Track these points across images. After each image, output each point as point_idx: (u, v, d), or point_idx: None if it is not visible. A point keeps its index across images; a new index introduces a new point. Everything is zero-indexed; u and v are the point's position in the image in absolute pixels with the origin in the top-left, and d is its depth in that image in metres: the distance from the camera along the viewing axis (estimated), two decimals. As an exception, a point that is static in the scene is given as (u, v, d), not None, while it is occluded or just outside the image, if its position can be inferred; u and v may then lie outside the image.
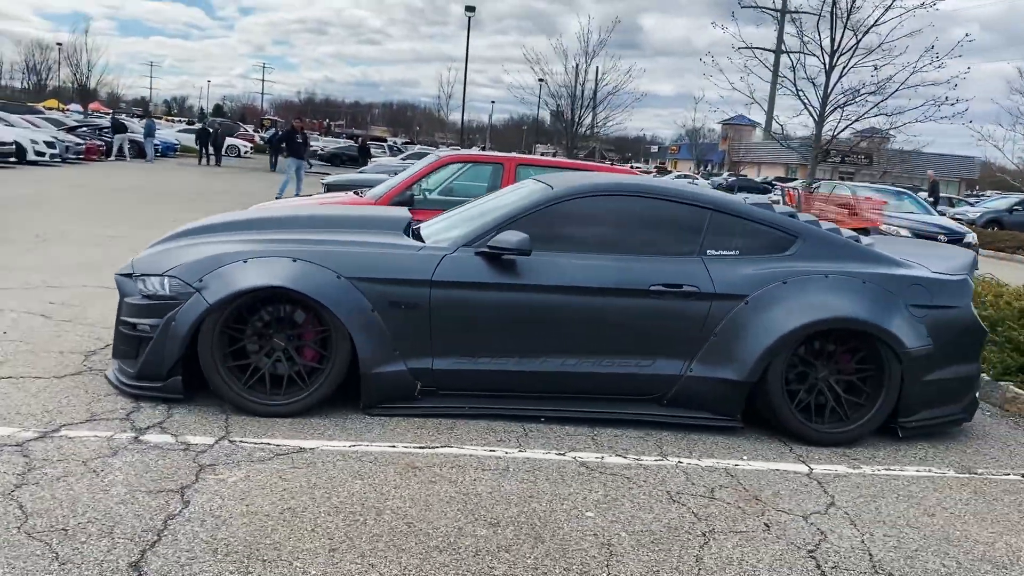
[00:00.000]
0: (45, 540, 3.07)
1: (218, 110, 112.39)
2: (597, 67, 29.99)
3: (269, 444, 4.19)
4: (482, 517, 3.56)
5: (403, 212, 5.70)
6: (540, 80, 30.73)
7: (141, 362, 4.62)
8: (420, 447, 4.31)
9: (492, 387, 4.84)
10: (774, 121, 18.14)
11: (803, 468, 4.53)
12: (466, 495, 3.77)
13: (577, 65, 26.90)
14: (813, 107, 13.76)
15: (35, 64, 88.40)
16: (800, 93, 13.83)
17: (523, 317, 4.76)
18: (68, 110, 61.61)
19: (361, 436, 4.40)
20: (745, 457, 4.62)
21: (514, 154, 9.66)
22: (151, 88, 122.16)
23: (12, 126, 26.18)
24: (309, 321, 4.68)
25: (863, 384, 5.02)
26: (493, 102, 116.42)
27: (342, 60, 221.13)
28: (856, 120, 14.18)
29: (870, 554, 3.54)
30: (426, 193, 8.24)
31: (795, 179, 58.63)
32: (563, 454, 4.39)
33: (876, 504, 4.10)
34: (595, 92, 30.88)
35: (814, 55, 13.87)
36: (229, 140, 42.02)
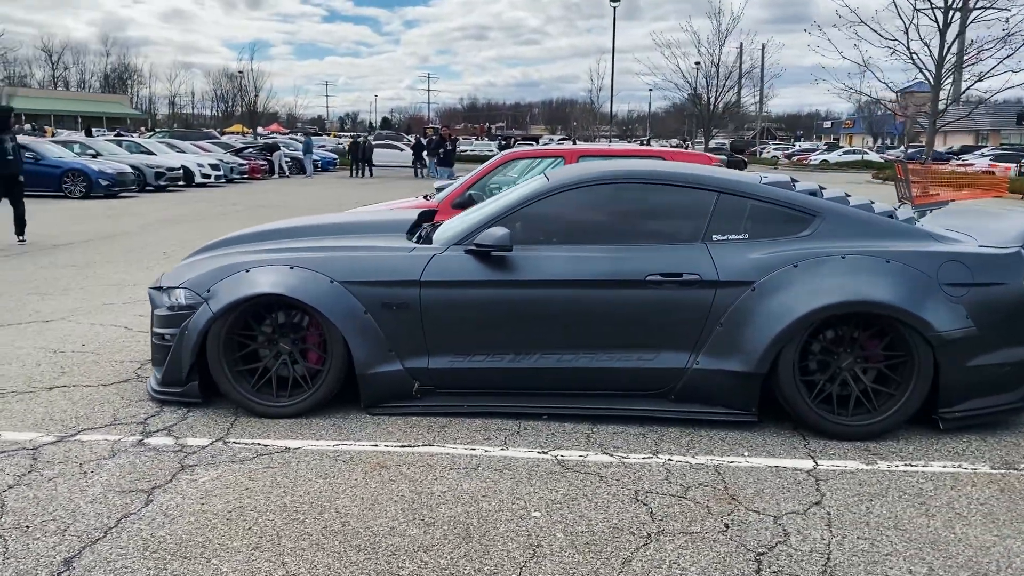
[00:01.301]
0: (4, 535, 3.35)
1: (385, 122, 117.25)
2: (741, 43, 28.85)
3: (258, 444, 4.37)
4: (421, 517, 3.56)
5: (411, 215, 5.75)
6: (696, 64, 29.92)
7: (164, 369, 4.94)
8: (401, 446, 4.37)
9: (489, 385, 4.82)
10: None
11: (807, 464, 4.23)
12: (418, 495, 3.78)
13: (722, 43, 25.98)
14: (928, 71, 12.55)
15: (223, 93, 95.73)
16: (914, 56, 12.66)
17: (515, 313, 4.71)
18: (249, 133, 66.18)
19: (350, 436, 4.50)
20: (746, 453, 4.36)
21: (577, 145, 9.51)
22: (327, 107, 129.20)
23: (183, 152, 28.51)
24: (310, 325, 4.84)
25: (892, 372, 4.62)
26: (651, 89, 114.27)
27: (502, 63, 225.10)
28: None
29: (828, 558, 3.27)
30: (492, 191, 8.27)
31: (984, 146, 54.09)
32: (545, 452, 4.32)
33: (869, 504, 3.77)
34: (739, 69, 29.79)
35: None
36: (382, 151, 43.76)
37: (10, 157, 11.38)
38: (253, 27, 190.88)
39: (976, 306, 4.55)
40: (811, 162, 55.31)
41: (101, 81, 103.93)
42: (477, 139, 73.19)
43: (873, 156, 54.53)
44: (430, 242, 5.10)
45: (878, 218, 4.87)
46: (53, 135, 41.83)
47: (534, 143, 49.14)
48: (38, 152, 21.02)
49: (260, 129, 69.02)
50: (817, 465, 4.22)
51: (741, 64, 33.79)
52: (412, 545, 3.32)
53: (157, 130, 54.03)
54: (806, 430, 4.65)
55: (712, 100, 25.93)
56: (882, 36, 12.97)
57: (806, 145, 77.07)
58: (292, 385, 4.85)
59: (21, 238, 12.11)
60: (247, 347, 4.86)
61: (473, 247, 4.74)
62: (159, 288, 5.18)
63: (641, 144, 11.32)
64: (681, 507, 3.70)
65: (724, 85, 25.44)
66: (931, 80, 12.54)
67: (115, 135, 39.94)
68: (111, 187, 21.19)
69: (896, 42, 12.89)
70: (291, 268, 4.80)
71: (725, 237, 4.79)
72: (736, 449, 4.42)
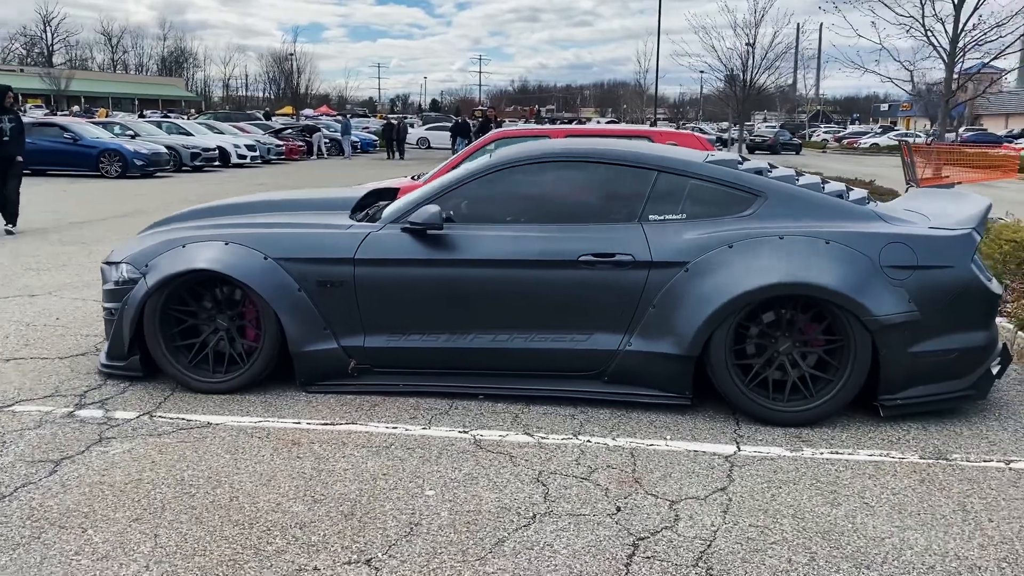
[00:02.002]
0: (-100, 502, 3.43)
1: (434, 105, 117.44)
2: (799, 24, 27.99)
3: (182, 419, 4.41)
4: (312, 494, 3.56)
5: (360, 192, 5.72)
6: (748, 45, 29.19)
7: (109, 343, 5.01)
8: (323, 424, 4.36)
9: (424, 364, 4.79)
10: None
11: (729, 450, 4.12)
12: (319, 472, 3.78)
13: (757, 22, 25.38)
14: (943, 48, 12.03)
15: (275, 75, 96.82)
16: (930, 34, 12.18)
17: (448, 293, 4.67)
18: (301, 115, 66.83)
19: (277, 413, 4.52)
20: (669, 437, 4.27)
21: (565, 125, 9.39)
22: (379, 89, 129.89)
23: (221, 133, 28.92)
24: (246, 302, 4.86)
25: (831, 358, 4.48)
26: (703, 72, 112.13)
27: (555, 45, 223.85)
28: None
29: (709, 545, 3.18)
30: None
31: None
32: (466, 432, 4.28)
33: (776, 491, 3.66)
34: (796, 51, 28.92)
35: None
36: (421, 133, 43.90)
37: (6, 138, 10.60)
38: (309, 10, 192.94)
39: (920, 290, 4.38)
40: (861, 145, 53.98)
41: (158, 64, 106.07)
42: (525, 121, 72.90)
43: (924, 140, 52.99)
44: (376, 220, 5.07)
45: (824, 198, 4.71)
46: (106, 116, 42.74)
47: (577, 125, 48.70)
48: (76, 133, 21.49)
49: (309, 111, 69.85)
50: (739, 451, 4.11)
51: (798, 45, 32.97)
52: (291, 521, 3.31)
53: (203, 112, 54.82)
54: (742, 415, 4.54)
55: (748, 82, 25.38)
56: (897, 13, 12.58)
57: (858, 128, 75.17)
58: (229, 362, 4.88)
59: (9, 227, 11.08)
60: (185, 323, 4.90)
61: (407, 225, 4.71)
62: (109, 263, 5.25)
63: (650, 126, 11.08)
64: (580, 489, 3.64)
65: (761, 66, 24.94)
66: (945, 58, 12.06)
67: (161, 116, 40.73)
68: (146, 167, 21.58)
69: (911, 19, 12.46)
70: (226, 244, 4.81)
71: (662, 217, 4.67)
72: (661, 432, 4.33)
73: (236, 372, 4.82)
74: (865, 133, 63.71)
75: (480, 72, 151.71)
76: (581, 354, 4.64)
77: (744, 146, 33.02)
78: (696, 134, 8.23)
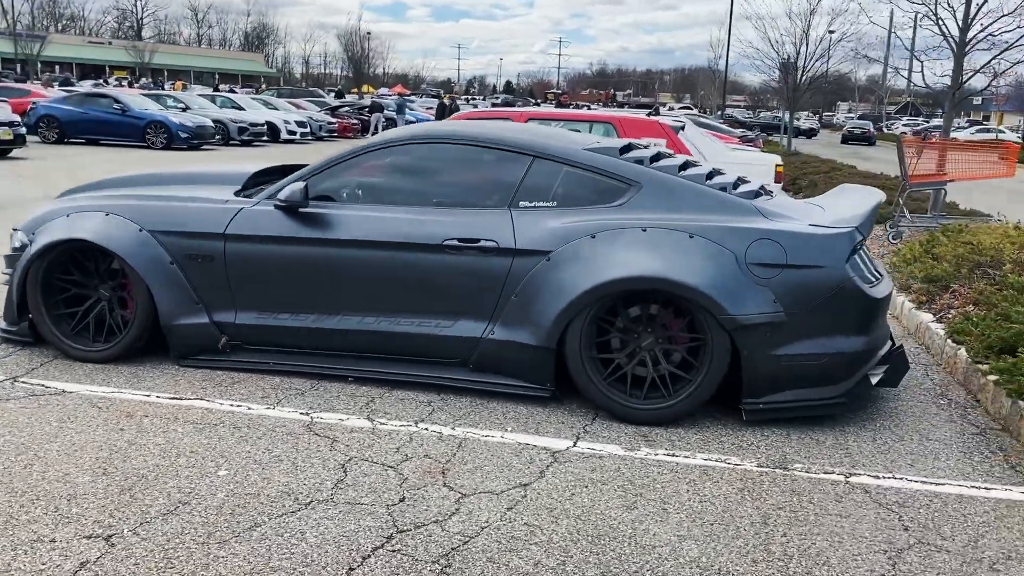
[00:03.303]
0: None
1: (508, 87, 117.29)
2: (892, 9, 26.58)
3: (41, 386, 4.48)
4: (105, 466, 3.57)
5: (251, 168, 5.68)
6: (830, 32, 28.04)
7: (4, 308, 5.12)
8: (171, 398, 4.38)
9: (294, 343, 4.77)
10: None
11: (562, 445, 3.99)
12: (130, 445, 3.79)
13: (812, 10, 24.42)
14: (952, 37, 11.29)
15: (353, 53, 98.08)
16: (941, 23, 11.41)
17: (316, 272, 4.63)
18: (369, 93, 67.58)
19: (137, 384, 4.55)
20: (510, 428, 4.16)
21: (529, 108, 9.21)
22: (458, 69, 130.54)
23: (275, 108, 29.38)
24: (125, 273, 4.90)
25: (693, 357, 4.29)
26: (756, 61, 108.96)
27: (638, 28, 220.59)
28: None
29: (467, 542, 3.08)
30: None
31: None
32: (307, 414, 4.24)
33: (581, 491, 3.52)
34: (888, 39, 27.51)
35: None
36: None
37: None
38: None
39: (788, 290, 4.16)
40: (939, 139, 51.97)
41: (241, 40, 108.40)
42: (602, 105, 72.11)
43: (1010, 135, 50.71)
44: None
45: (703, 190, 4.50)
46: (183, 89, 43.85)
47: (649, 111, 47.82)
48: (125, 104, 22.10)
49: (384, 90, 70.56)
50: (573, 447, 3.98)
51: (890, 33, 31.59)
52: (66, 492, 3.33)
53: (271, 88, 55.82)
54: (601, 410, 4.39)
55: (801, 72, 24.51)
56: (909, 0, 11.92)
57: (941, 122, 72.25)
58: (108, 332, 4.93)
59: None
60: (68, 291, 4.97)
61: (277, 202, 4.68)
62: (15, 229, 5.35)
63: (648, 115, 10.70)
64: (377, 477, 3.57)
65: (814, 54, 24.03)
66: (955, 49, 11.33)
67: (227, 90, 41.65)
68: (190, 139, 22.06)
69: (923, 5, 11.78)
70: (107, 215, 4.86)
71: (532, 204, 4.54)
72: (506, 424, 4.22)
73: (112, 342, 4.87)
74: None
75: (560, 55, 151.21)
76: (446, 340, 4.55)
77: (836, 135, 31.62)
78: (662, 122, 7.98)
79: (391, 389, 4.63)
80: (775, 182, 10.80)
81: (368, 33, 70.85)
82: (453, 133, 4.81)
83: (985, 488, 3.69)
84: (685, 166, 4.74)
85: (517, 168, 4.60)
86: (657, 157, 4.76)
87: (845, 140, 52.16)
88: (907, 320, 6.46)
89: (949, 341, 5.42)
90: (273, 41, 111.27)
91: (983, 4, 11.47)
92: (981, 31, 11.55)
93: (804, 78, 24.45)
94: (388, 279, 4.55)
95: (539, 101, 73.68)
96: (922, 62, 13.70)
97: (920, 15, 11.88)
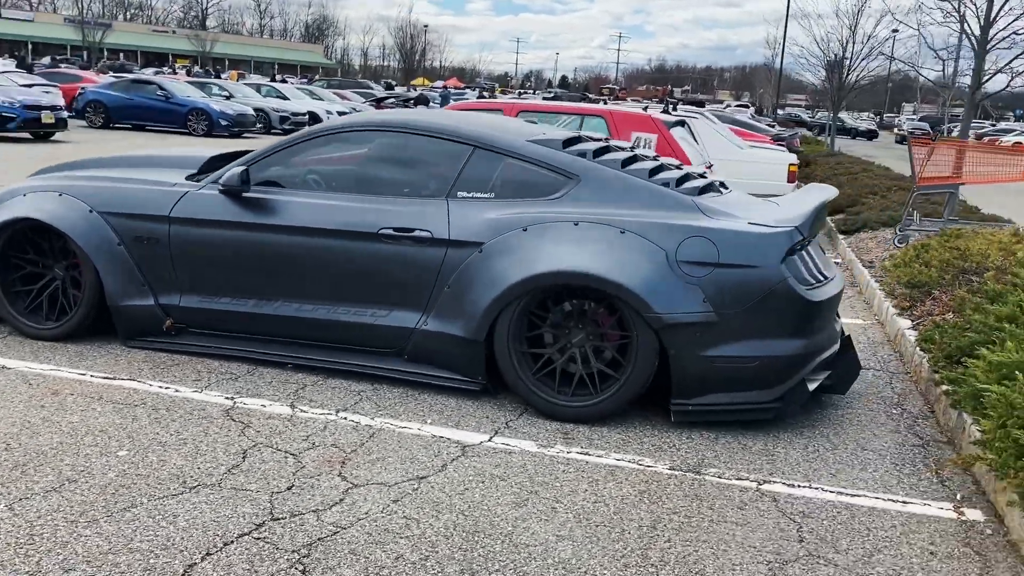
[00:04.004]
0: None
1: (563, 81, 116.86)
2: (960, 2, 25.61)
3: (-17, 362, 4.56)
4: (11, 442, 3.61)
5: (211, 152, 5.69)
6: (894, 32, 27.30)
7: (-32, 284, 5.23)
8: (105, 377, 4.43)
9: (235, 328, 4.79)
10: None
11: (475, 439, 3.93)
12: (43, 422, 3.83)
13: (860, 8, 23.77)
14: (974, 35, 10.80)
15: (411, 46, 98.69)
16: (964, 21, 10.93)
17: (255, 258, 4.63)
18: (424, 86, 67.98)
19: (78, 363, 4.61)
20: (431, 421, 4.11)
21: (518, 100, 9.11)
22: (516, 63, 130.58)
23: (319, 99, 29.72)
24: (74, 252, 4.96)
25: (621, 355, 4.19)
26: (846, 58, 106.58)
27: (699, 25, 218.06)
28: None
29: (336, 532, 3.04)
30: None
31: None
32: (231, 399, 4.25)
33: (474, 486, 3.46)
34: (959, 38, 26.63)
35: None
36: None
37: None
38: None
39: (719, 289, 4.04)
40: (1002, 143, 50.25)
41: (302, 31, 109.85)
42: (658, 101, 71.33)
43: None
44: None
45: (643, 184, 4.39)
46: (239, 78, 44.53)
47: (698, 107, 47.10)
48: (168, 91, 22.55)
49: (439, 83, 70.95)
50: (487, 442, 3.92)
51: (962, 31, 30.86)
52: (-38, 465, 3.37)
53: (320, 79, 56.36)
54: (530, 407, 4.32)
55: (847, 71, 23.88)
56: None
57: (1008, 125, 69.96)
58: (60, 310, 5.01)
59: None
60: (24, 269, 5.05)
61: (220, 186, 4.69)
62: (-12, 210, 5.46)
63: (644, 109, 10.45)
64: (273, 464, 3.55)
65: (861, 52, 23.37)
66: (975, 46, 10.86)
67: (274, 80, 42.21)
68: (231, 127, 22.42)
69: (947, 2, 11.33)
70: (60, 195, 4.93)
71: (470, 194, 4.48)
72: (427, 415, 4.17)
73: (62, 321, 4.95)
74: (1011, 131, 59.23)
75: (619, 50, 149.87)
76: (381, 330, 4.52)
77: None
78: (654, 116, 7.82)
79: (326, 377, 4.61)
80: (788, 181, 10.57)
81: (426, 26, 71.27)
82: (395, 121, 4.77)
83: (902, 502, 3.53)
84: (631, 160, 4.63)
85: (457, 158, 4.54)
86: (603, 151, 4.65)
87: (900, 141, 51.05)
88: (889, 326, 6.24)
89: (917, 349, 5.22)
90: (333, 33, 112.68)
91: (1005, 2, 11.03)
92: (1003, 29, 11.12)
93: (852, 78, 23.81)
94: (325, 267, 4.54)
95: (598, 96, 73.13)
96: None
97: (945, 12, 11.45)
